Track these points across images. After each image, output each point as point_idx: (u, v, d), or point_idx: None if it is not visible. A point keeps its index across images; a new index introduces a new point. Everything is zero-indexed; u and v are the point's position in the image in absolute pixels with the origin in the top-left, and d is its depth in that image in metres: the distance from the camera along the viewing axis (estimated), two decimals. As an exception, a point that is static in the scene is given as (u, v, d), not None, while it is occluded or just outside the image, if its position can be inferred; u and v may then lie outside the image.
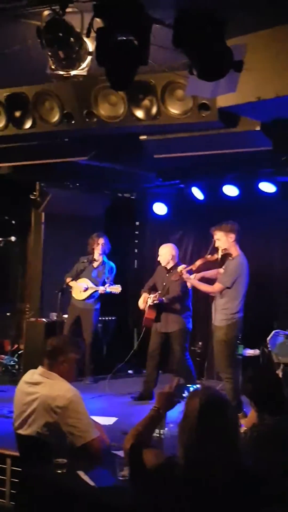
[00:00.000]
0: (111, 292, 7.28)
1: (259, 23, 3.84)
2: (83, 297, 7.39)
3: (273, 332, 6.64)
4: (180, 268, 6.39)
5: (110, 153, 6.35)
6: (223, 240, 5.85)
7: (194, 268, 6.24)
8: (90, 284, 7.37)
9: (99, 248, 7.48)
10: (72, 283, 7.46)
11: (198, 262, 6.25)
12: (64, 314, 7.58)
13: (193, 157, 5.86)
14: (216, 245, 5.94)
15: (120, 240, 9.02)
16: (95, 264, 7.51)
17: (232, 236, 5.82)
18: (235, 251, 5.87)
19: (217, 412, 2.17)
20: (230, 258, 5.90)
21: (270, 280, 7.49)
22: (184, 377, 6.65)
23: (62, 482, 2.89)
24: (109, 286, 7.29)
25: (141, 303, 6.78)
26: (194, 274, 6.24)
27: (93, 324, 7.48)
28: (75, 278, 7.46)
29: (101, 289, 7.29)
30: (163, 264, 6.75)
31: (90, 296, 7.40)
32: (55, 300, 7.25)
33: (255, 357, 7.01)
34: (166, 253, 6.72)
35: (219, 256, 5.97)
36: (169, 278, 6.59)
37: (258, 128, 4.76)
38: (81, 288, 7.38)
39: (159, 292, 6.55)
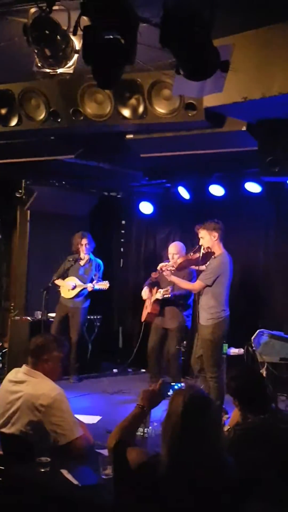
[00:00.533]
0: (99, 288, 7.28)
1: (246, 23, 3.85)
2: (72, 295, 7.38)
3: (258, 331, 6.67)
4: (160, 265, 6.42)
5: (97, 151, 6.34)
6: (207, 238, 5.89)
7: (175, 266, 6.26)
8: (78, 282, 7.36)
9: (83, 248, 7.49)
10: (59, 282, 7.44)
11: (179, 260, 6.29)
12: (50, 312, 7.56)
13: (180, 156, 5.87)
14: (200, 243, 5.98)
15: (106, 239, 9.02)
16: (82, 262, 7.51)
17: (215, 235, 5.86)
18: (218, 249, 5.90)
19: (200, 411, 2.18)
20: (213, 256, 5.93)
21: (255, 279, 7.53)
22: (173, 375, 6.67)
23: (45, 480, 2.89)
24: (96, 283, 7.29)
25: (144, 294, 6.89)
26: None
27: (80, 322, 7.47)
28: (62, 276, 7.45)
29: (89, 286, 7.29)
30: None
31: (79, 294, 7.39)
32: (40, 298, 7.23)
33: (239, 356, 7.04)
34: (180, 251, 6.77)
35: (201, 254, 6.00)
36: (176, 275, 6.60)
37: (244, 128, 4.79)
38: (69, 287, 7.36)
39: (170, 287, 6.60)
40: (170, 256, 6.78)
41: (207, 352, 5.76)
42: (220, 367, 5.75)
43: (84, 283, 7.35)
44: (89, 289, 7.32)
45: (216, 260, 5.87)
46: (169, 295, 6.54)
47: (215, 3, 2.82)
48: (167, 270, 6.28)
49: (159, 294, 6.66)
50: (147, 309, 6.88)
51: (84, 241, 7.49)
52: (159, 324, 6.81)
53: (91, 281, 7.39)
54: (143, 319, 7.01)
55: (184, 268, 6.41)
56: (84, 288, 7.33)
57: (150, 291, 6.91)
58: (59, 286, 7.47)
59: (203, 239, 5.94)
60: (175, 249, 6.81)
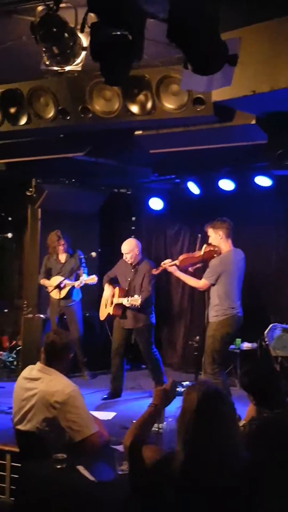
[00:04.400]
0: (88, 283, 7.19)
1: (253, 16, 3.83)
2: (62, 295, 7.28)
3: (271, 325, 6.67)
4: (164, 262, 6.36)
5: (106, 148, 6.34)
6: (213, 236, 5.90)
7: (178, 264, 6.22)
8: (65, 281, 7.25)
9: (60, 248, 7.43)
10: (45, 282, 7.42)
11: (182, 257, 6.25)
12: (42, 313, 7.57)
13: (189, 151, 5.85)
14: (209, 241, 5.98)
15: (116, 235, 9.01)
16: (62, 260, 7.49)
17: (221, 233, 5.83)
18: (225, 247, 5.87)
19: (214, 406, 2.18)
20: (215, 255, 5.91)
21: (266, 274, 7.50)
22: (154, 371, 6.59)
23: (61, 477, 2.90)
24: (84, 278, 7.19)
25: (107, 296, 6.66)
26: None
27: (78, 318, 7.42)
28: (47, 276, 7.45)
29: (76, 284, 7.21)
30: (130, 262, 6.58)
31: (69, 293, 7.33)
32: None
33: (252, 351, 7.04)
34: (133, 250, 6.56)
35: (202, 253, 5.99)
36: (136, 275, 6.52)
37: (253, 122, 4.76)
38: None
39: (135, 296, 6.31)
40: (126, 256, 6.55)
41: (208, 349, 5.72)
42: (220, 365, 5.69)
43: (70, 280, 7.28)
44: (77, 286, 7.25)
45: (217, 259, 5.85)
46: (138, 306, 6.29)
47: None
48: (171, 266, 6.22)
49: (125, 301, 6.33)
50: (106, 309, 6.65)
51: (61, 241, 7.43)
52: (122, 325, 6.57)
53: (77, 277, 7.33)
54: (102, 318, 6.79)
55: (186, 265, 6.35)
56: (72, 286, 7.26)
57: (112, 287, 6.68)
58: (46, 287, 7.45)
59: (210, 237, 5.95)
60: (127, 248, 6.55)
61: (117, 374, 6.66)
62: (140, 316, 6.49)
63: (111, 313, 6.58)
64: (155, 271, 6.50)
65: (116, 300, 6.51)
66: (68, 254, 7.47)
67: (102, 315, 6.79)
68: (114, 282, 6.75)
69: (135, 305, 6.28)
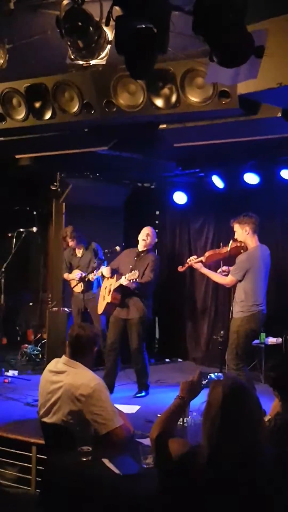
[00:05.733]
0: (100, 276, 7.17)
1: (279, 7, 3.78)
2: (81, 289, 7.26)
3: (296, 320, 6.61)
4: (190, 259, 6.32)
5: (130, 142, 6.33)
6: (239, 232, 5.83)
7: (204, 260, 6.17)
8: (83, 274, 7.24)
9: (70, 243, 7.52)
10: (67, 276, 7.53)
11: (208, 254, 6.22)
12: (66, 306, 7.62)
13: (213, 145, 5.82)
14: (235, 237, 5.92)
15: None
16: (79, 254, 7.55)
17: (247, 229, 5.76)
18: (251, 243, 5.80)
19: (240, 401, 2.17)
20: (241, 251, 5.86)
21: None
22: (139, 373, 6.45)
23: (87, 469, 2.93)
24: (96, 270, 7.14)
25: (106, 272, 6.59)
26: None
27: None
28: (69, 270, 7.52)
29: (90, 276, 7.22)
30: (141, 246, 6.49)
31: (88, 286, 7.35)
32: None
33: (277, 346, 6.99)
34: (151, 237, 6.54)
35: (229, 249, 5.94)
36: (139, 263, 6.39)
37: (279, 115, 4.71)
38: (76, 278, 7.34)
39: (133, 271, 6.11)
40: (140, 238, 6.48)
41: (231, 344, 5.68)
42: (242, 361, 5.64)
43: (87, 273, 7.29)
44: (91, 279, 7.27)
45: (244, 255, 5.79)
46: (134, 284, 6.10)
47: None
48: (197, 263, 6.18)
49: (123, 278, 6.13)
50: (105, 300, 6.49)
51: (69, 238, 7.49)
52: (119, 315, 6.39)
53: (92, 270, 7.34)
54: (100, 311, 6.64)
55: (212, 261, 6.29)
56: (88, 279, 7.28)
57: (112, 277, 6.52)
58: (69, 281, 7.52)
59: (236, 233, 5.89)
60: (146, 233, 6.52)
61: (111, 370, 6.48)
62: (137, 306, 6.32)
63: (109, 301, 6.39)
64: (181, 268, 6.46)
65: (114, 284, 6.35)
66: (84, 248, 7.54)
67: (100, 307, 6.64)
68: (117, 273, 6.58)
69: (134, 280, 6.05)
